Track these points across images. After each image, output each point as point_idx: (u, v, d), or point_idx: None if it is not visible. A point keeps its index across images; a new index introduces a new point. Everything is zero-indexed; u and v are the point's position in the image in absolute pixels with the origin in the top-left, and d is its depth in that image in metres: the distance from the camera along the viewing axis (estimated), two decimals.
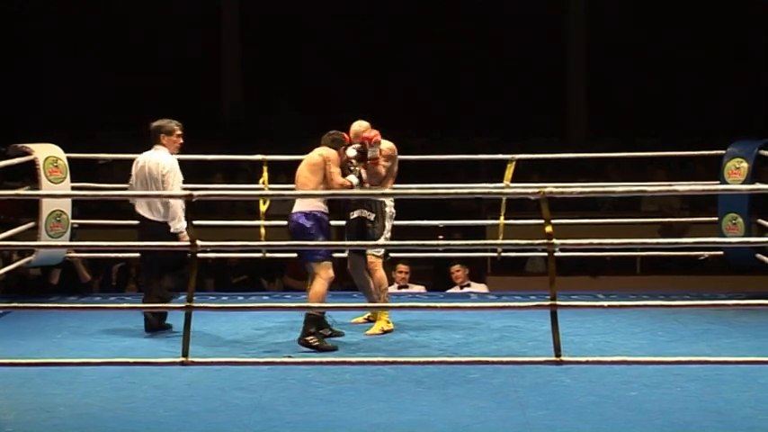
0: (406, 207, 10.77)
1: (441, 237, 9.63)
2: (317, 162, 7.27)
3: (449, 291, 9.60)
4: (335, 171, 7.24)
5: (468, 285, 9.45)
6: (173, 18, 16.63)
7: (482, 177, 11.16)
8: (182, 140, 7.53)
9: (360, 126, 7.62)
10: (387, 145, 7.57)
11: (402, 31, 16.73)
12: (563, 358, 6.01)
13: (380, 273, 7.48)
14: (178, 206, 7.24)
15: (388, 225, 7.54)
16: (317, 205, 7.21)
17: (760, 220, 8.69)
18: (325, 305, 7.14)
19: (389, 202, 7.57)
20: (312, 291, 7.15)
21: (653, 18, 16.49)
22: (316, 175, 7.24)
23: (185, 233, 7.11)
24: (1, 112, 14.91)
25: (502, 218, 8.69)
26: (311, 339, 6.99)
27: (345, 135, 7.50)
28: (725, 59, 16.44)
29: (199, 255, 6.24)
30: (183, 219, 7.20)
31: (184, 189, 7.11)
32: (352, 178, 7.36)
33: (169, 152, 7.47)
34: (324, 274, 7.11)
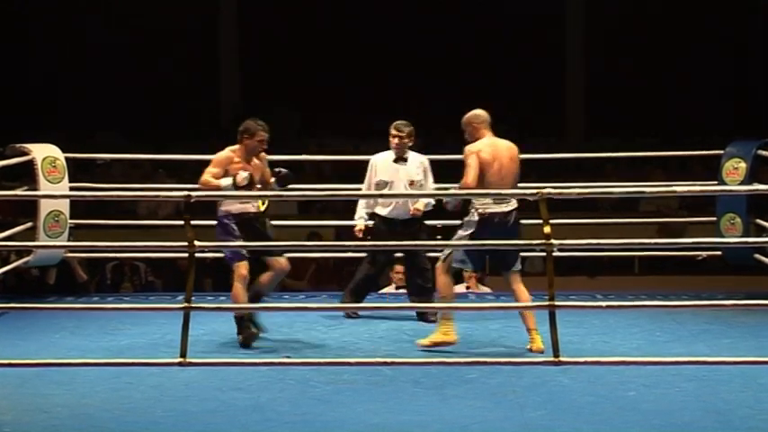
0: None
1: (439, 237, 9.60)
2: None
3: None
4: (208, 170, 7.13)
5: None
6: (172, 18, 16.62)
7: None
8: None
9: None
10: (475, 147, 6.90)
11: (400, 31, 16.73)
12: (561, 358, 6.02)
13: (440, 279, 7.02)
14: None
15: (463, 232, 6.91)
16: (224, 210, 7.18)
17: (758, 221, 8.69)
18: (330, 305, 7.13)
19: (480, 207, 6.88)
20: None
21: (651, 17, 16.48)
22: None
23: None
24: None
25: None
26: (240, 338, 7.11)
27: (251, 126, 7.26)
28: (724, 59, 16.44)
29: (197, 255, 6.27)
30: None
31: (182, 190, 7.09)
32: (224, 181, 7.07)
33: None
34: (236, 275, 7.11)
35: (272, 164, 9.04)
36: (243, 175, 7.03)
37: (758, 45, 16.49)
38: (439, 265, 7.02)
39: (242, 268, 7.11)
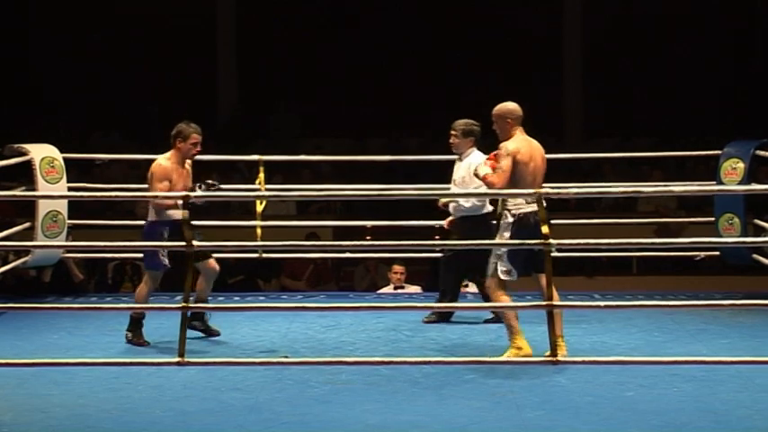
0: (402, 207, 10.82)
1: (437, 237, 9.61)
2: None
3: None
4: (158, 186, 7.07)
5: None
6: (170, 20, 16.61)
7: None
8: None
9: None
10: (513, 147, 6.65)
11: (398, 33, 16.72)
12: (559, 358, 6.02)
13: (499, 298, 6.67)
14: None
15: (502, 239, 6.63)
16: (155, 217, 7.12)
17: (756, 221, 8.69)
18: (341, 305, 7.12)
19: (513, 208, 6.62)
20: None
21: (649, 19, 16.48)
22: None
23: None
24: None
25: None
26: (128, 335, 7.15)
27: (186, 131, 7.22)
28: (724, 59, 16.43)
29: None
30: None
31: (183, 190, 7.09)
32: (176, 214, 6.84)
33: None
34: (150, 279, 7.15)
35: (273, 164, 9.05)
36: (182, 215, 6.93)
37: (758, 45, 16.48)
38: (489, 283, 6.70)
39: (157, 278, 7.16)
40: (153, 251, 7.03)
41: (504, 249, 6.58)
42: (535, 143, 6.78)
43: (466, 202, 7.66)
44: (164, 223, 7.07)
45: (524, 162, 6.63)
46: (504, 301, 6.64)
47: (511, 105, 6.82)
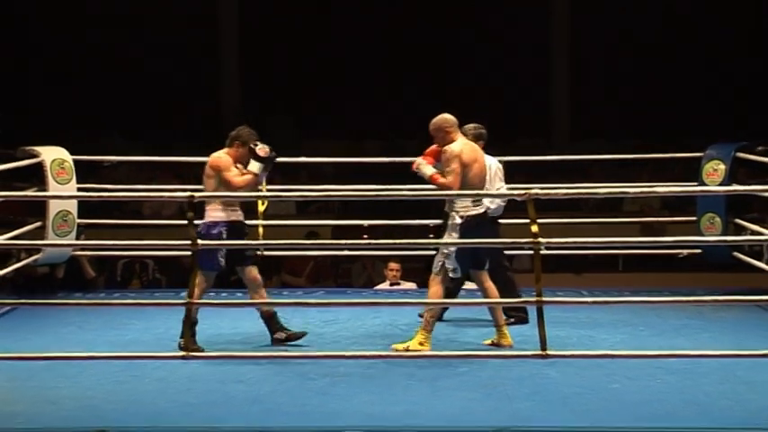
0: (397, 207, 10.81)
1: (431, 236, 9.61)
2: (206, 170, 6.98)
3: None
4: (230, 174, 6.89)
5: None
6: (172, 23, 16.55)
7: None
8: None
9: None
10: (457, 149, 6.74)
11: (396, 35, 16.70)
12: (548, 352, 6.02)
13: (434, 289, 6.81)
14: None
15: (451, 238, 6.72)
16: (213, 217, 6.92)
17: (737, 220, 8.69)
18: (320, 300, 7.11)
19: (462, 210, 6.76)
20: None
21: (634, 22, 16.41)
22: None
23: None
24: (9, 116, 14.87)
25: None
26: (181, 341, 6.67)
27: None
28: (709, 62, 16.39)
29: None
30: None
31: (184, 191, 7.07)
32: (254, 168, 6.84)
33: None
34: (204, 283, 6.85)
35: (274, 166, 9.04)
36: (264, 147, 6.87)
37: (743, 49, 16.41)
38: (434, 277, 6.81)
39: (211, 278, 6.92)
40: (211, 251, 6.76)
41: (452, 249, 6.68)
42: (475, 145, 6.90)
43: (491, 203, 7.39)
44: (222, 224, 6.91)
45: (469, 163, 6.75)
46: (438, 294, 6.75)
47: (445, 115, 6.90)
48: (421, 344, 6.77)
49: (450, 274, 6.79)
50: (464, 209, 6.76)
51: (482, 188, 6.84)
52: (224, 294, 8.73)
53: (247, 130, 7.07)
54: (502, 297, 7.02)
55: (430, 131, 6.90)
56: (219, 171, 6.91)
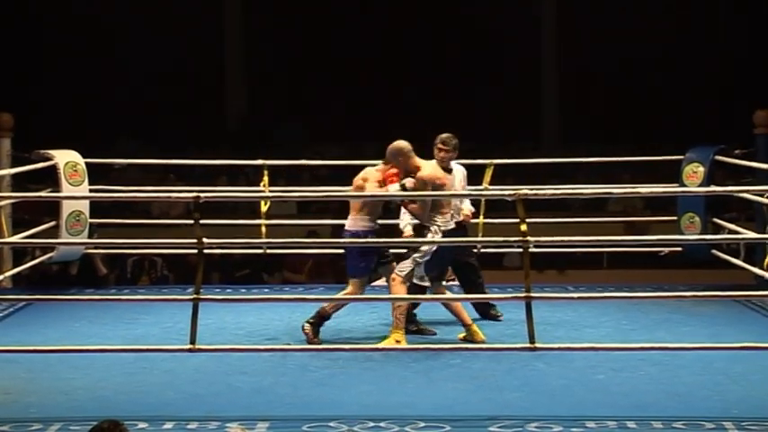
0: (393, 207, 10.78)
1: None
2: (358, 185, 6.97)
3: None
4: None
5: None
6: (178, 28, 16.51)
7: None
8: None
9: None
10: (428, 174, 6.78)
11: (395, 39, 16.68)
12: (537, 345, 6.04)
13: (397, 288, 6.80)
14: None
15: (427, 251, 6.72)
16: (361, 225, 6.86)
17: (715, 219, 8.69)
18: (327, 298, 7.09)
19: (442, 225, 6.77)
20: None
21: (623, 27, 16.36)
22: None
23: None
24: (24, 120, 14.85)
25: (481, 217, 8.66)
26: (307, 328, 6.84)
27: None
28: (695, 65, 16.36)
29: (205, 251, 6.26)
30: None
31: (191, 192, 7.06)
32: (392, 187, 6.83)
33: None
34: (357, 289, 6.86)
35: (276, 168, 8.99)
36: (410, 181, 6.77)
37: (727, 54, 16.36)
38: (396, 277, 6.77)
39: (363, 284, 6.90)
40: (357, 258, 6.76)
41: (425, 258, 6.68)
42: (437, 167, 6.89)
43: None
44: (368, 232, 6.82)
45: (442, 184, 6.79)
46: (402, 293, 6.72)
47: (401, 142, 6.90)
48: (398, 341, 6.72)
49: (415, 280, 6.75)
50: (444, 224, 6.78)
51: (451, 207, 6.88)
52: (229, 290, 8.73)
53: (408, 145, 6.90)
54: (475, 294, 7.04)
55: (387, 158, 6.89)
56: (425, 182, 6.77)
